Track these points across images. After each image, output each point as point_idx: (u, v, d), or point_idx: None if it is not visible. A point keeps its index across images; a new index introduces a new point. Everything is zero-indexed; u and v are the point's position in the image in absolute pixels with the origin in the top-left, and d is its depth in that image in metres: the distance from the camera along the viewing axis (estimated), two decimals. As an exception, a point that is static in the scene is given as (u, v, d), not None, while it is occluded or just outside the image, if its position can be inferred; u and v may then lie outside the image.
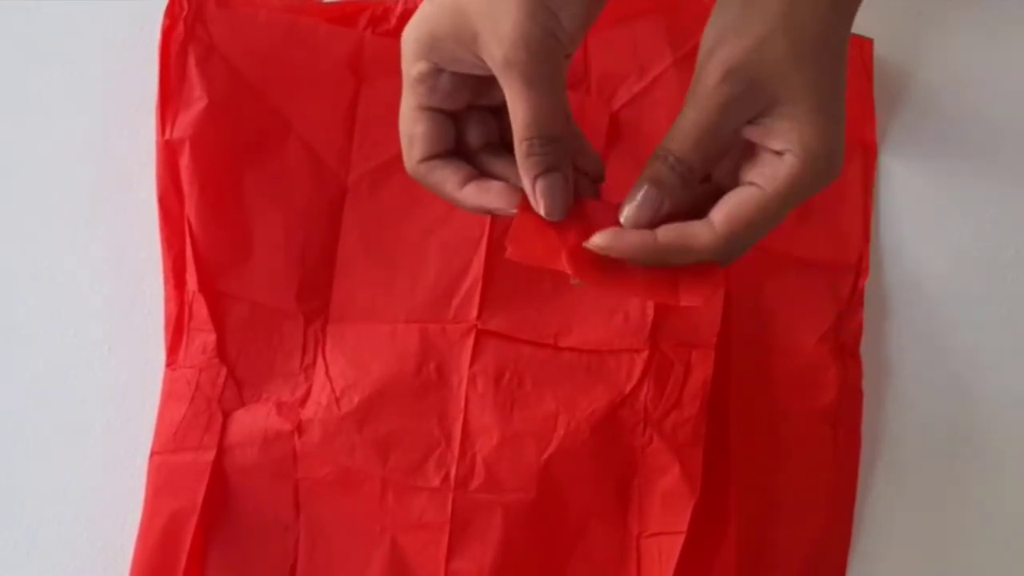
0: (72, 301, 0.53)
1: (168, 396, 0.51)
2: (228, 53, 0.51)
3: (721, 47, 0.37)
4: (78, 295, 0.53)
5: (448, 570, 0.50)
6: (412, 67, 0.39)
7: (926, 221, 0.57)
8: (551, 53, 0.37)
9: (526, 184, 0.39)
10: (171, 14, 0.51)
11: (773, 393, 0.54)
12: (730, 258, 0.39)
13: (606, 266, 0.38)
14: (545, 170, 0.38)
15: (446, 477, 0.51)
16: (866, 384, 0.55)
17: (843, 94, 0.39)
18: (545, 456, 0.51)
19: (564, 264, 0.38)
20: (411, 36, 0.39)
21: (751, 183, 0.38)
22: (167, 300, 0.52)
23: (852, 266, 0.56)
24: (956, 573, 0.56)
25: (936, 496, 0.56)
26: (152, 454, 0.50)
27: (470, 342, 0.52)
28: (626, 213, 0.38)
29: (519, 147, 0.38)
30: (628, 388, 0.51)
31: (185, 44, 0.51)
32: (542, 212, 0.38)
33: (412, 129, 0.40)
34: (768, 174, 0.38)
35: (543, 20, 0.36)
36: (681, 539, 0.50)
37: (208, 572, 0.50)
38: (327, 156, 0.53)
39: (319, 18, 0.53)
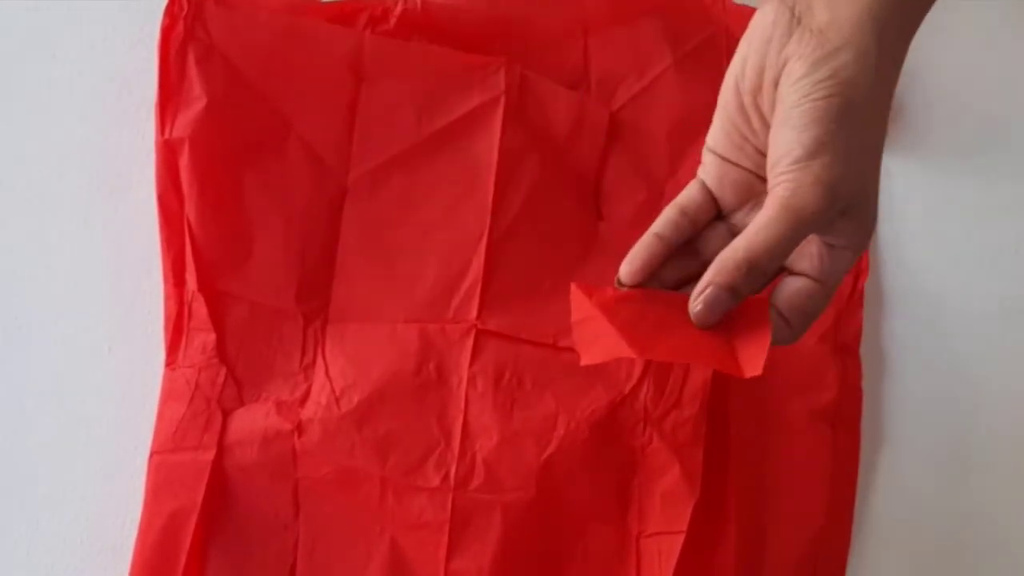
0: (72, 301, 0.53)
1: (168, 396, 0.51)
2: (228, 52, 0.51)
3: (820, 163, 0.37)
4: (78, 295, 0.53)
5: (448, 570, 0.50)
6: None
7: (926, 221, 0.57)
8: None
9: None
10: (171, 13, 0.51)
11: (773, 393, 0.54)
12: (799, 339, 0.42)
13: (665, 340, 0.39)
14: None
15: (446, 477, 0.51)
16: (865, 383, 0.55)
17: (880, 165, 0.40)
18: (545, 456, 0.51)
19: (629, 351, 0.38)
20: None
21: (806, 275, 0.40)
22: (167, 300, 0.52)
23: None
24: (956, 572, 0.56)
25: (936, 495, 0.56)
26: (152, 454, 0.50)
27: (470, 342, 0.52)
28: (697, 313, 0.39)
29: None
30: (628, 388, 0.51)
31: (185, 43, 0.51)
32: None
33: None
34: (827, 268, 0.40)
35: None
36: (681, 539, 0.50)
37: (208, 571, 0.50)
38: (327, 156, 0.53)
39: (319, 18, 0.53)
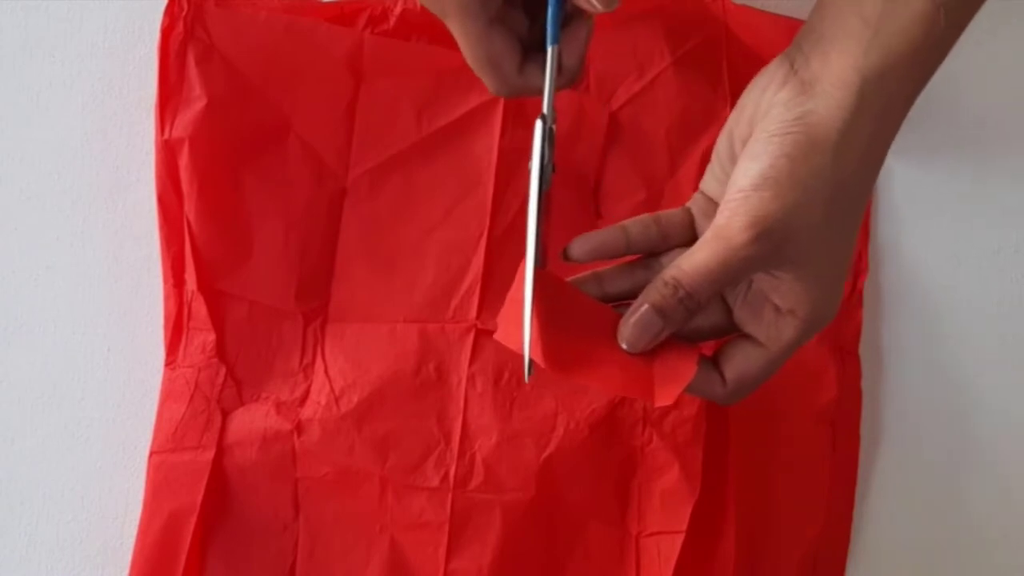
0: (72, 301, 0.53)
1: (167, 395, 0.51)
2: (227, 53, 0.51)
3: (759, 197, 0.37)
4: (77, 295, 0.53)
5: (447, 569, 0.50)
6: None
7: (924, 220, 0.57)
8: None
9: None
10: (171, 13, 0.51)
11: (772, 393, 0.53)
12: (734, 402, 0.41)
13: (581, 359, 0.39)
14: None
15: (445, 476, 0.51)
16: (864, 384, 0.55)
17: (855, 244, 0.40)
18: (544, 456, 0.51)
19: (539, 356, 0.38)
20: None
21: (753, 339, 0.40)
22: (166, 299, 0.52)
23: (851, 265, 0.56)
24: (955, 572, 0.56)
25: (935, 495, 0.56)
26: (151, 453, 0.50)
27: (469, 341, 0.52)
28: (625, 335, 0.39)
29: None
30: (627, 388, 0.52)
31: (184, 43, 0.51)
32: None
33: (490, 50, 0.41)
34: (773, 335, 0.39)
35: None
36: (680, 538, 0.50)
37: (207, 571, 0.50)
38: (326, 156, 0.53)
39: (318, 18, 0.53)
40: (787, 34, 0.55)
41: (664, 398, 0.39)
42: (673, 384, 0.39)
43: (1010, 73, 0.59)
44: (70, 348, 0.53)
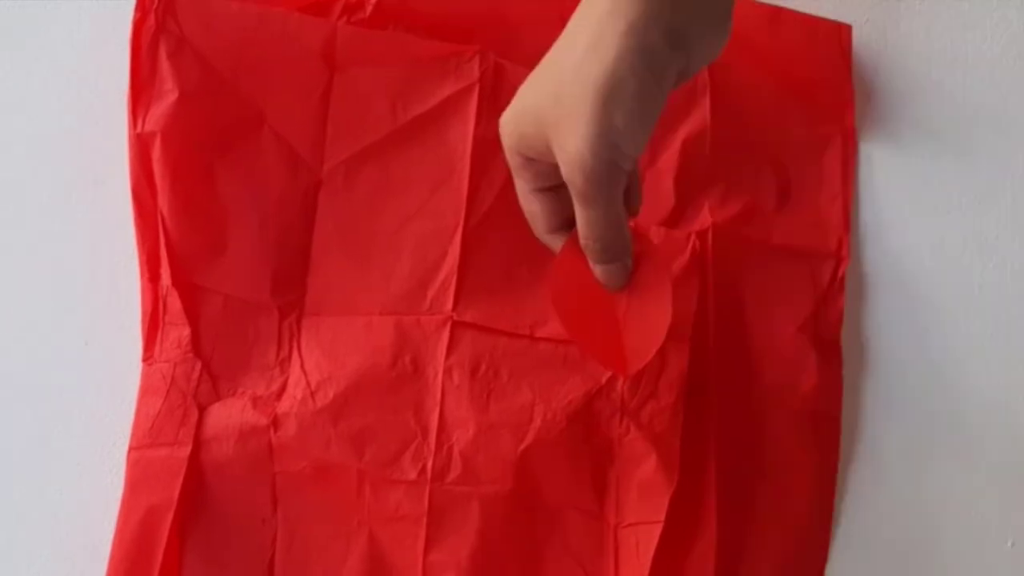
0: (48, 296, 0.53)
1: (145, 391, 0.51)
2: (199, 45, 0.51)
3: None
4: (54, 290, 0.53)
5: (426, 562, 0.50)
6: (510, 158, 0.43)
7: (906, 208, 0.57)
8: (608, 179, 0.39)
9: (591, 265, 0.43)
10: (142, 6, 0.51)
11: (753, 382, 0.53)
12: None
13: (580, 314, 0.45)
14: (604, 261, 0.43)
15: (423, 470, 0.50)
16: (845, 372, 0.55)
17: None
18: (522, 447, 0.50)
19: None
20: (505, 130, 0.42)
21: None
22: (142, 294, 0.51)
23: (832, 253, 0.55)
24: (937, 569, 0.55)
25: (915, 488, 0.55)
26: (129, 449, 0.50)
27: (446, 334, 0.51)
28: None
29: (582, 240, 0.42)
30: (604, 378, 0.51)
31: (156, 36, 0.51)
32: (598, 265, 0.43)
33: (530, 208, 0.45)
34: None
35: (604, 154, 0.38)
36: (659, 529, 0.50)
37: (186, 567, 0.50)
38: (301, 147, 0.52)
39: (292, 8, 0.52)
40: (768, 21, 0.56)
41: (634, 367, 0.44)
42: (642, 355, 0.44)
43: (992, 60, 0.58)
44: (47, 343, 0.53)
